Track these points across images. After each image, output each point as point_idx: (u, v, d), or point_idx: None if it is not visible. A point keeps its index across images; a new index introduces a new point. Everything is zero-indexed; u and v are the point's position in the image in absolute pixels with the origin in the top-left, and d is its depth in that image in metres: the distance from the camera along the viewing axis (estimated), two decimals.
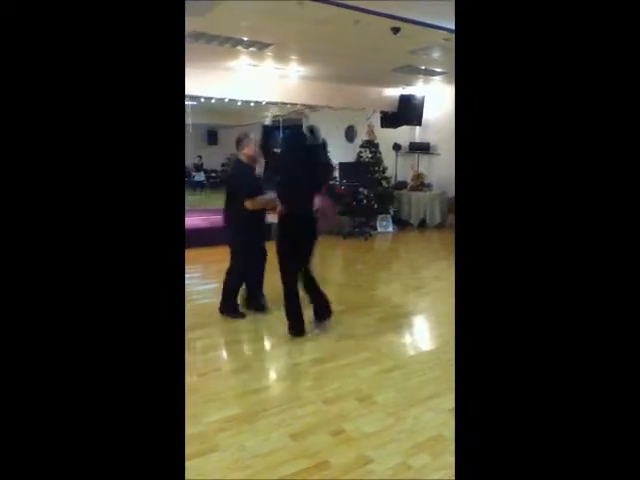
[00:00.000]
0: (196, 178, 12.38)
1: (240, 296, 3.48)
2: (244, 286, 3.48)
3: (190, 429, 2.04)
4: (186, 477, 1.72)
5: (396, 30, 4.38)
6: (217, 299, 3.51)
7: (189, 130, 9.13)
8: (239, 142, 3.35)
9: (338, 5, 3.66)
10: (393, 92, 7.89)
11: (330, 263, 6.03)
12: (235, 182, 3.37)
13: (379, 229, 7.63)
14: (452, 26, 3.65)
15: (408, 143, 8.42)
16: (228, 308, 3.43)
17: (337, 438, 1.98)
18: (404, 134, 8.43)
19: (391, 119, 8.05)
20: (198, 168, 12.58)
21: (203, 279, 4.65)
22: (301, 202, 2.99)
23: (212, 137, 14.15)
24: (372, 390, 2.39)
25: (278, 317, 3.46)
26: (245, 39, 4.89)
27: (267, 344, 3.07)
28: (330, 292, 4.44)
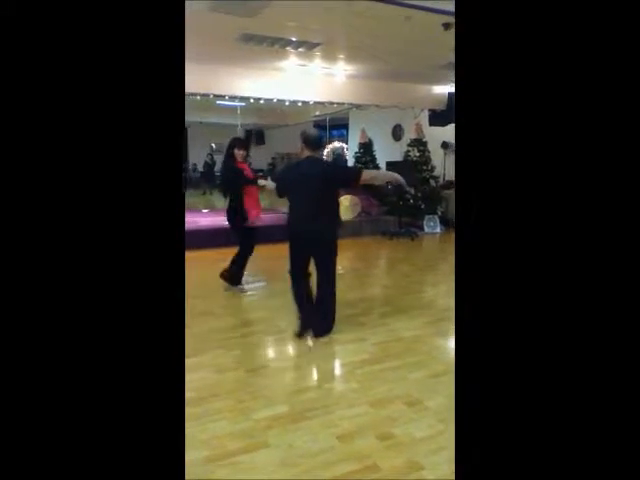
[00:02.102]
0: None
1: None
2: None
3: (239, 424, 2.08)
4: (237, 471, 1.76)
5: (447, 26, 4.27)
6: (268, 296, 3.54)
7: (238, 130, 9.36)
8: (320, 142, 3.11)
9: (390, 3, 3.61)
10: (442, 89, 7.70)
11: (376, 264, 5.97)
12: (333, 172, 3.10)
13: (426, 229, 7.48)
14: None
15: None
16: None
17: (386, 442, 1.95)
18: (453, 132, 8.21)
19: (440, 117, 7.85)
20: None
21: (253, 276, 4.71)
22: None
23: (259, 137, 14.40)
24: (422, 395, 2.34)
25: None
26: (294, 39, 4.93)
27: (313, 343, 3.08)
28: (376, 293, 4.41)
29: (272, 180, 3.81)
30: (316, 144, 3.04)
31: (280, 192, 3.22)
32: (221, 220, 7.14)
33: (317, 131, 3.20)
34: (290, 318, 3.38)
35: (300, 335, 3.08)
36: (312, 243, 3.01)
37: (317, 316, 3.10)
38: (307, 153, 3.01)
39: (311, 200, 2.93)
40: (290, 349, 3.01)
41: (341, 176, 3.10)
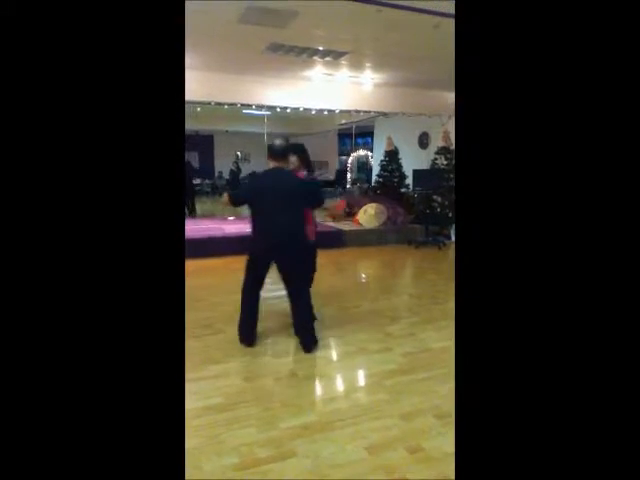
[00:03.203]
0: None
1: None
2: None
3: (267, 433, 2.08)
4: None
5: None
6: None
7: (265, 139, 9.49)
8: (285, 153, 3.07)
9: (419, 11, 3.60)
10: None
11: (402, 273, 5.91)
12: (305, 192, 3.06)
13: (453, 238, 7.37)
14: None
15: None
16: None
17: (416, 456, 1.91)
18: None
19: None
20: None
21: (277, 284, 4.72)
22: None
23: None
24: (451, 408, 2.29)
25: (348, 329, 3.44)
26: (321, 49, 4.98)
27: (340, 352, 3.06)
28: (402, 303, 4.35)
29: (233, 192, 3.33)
30: (279, 155, 3.02)
31: (240, 201, 3.17)
32: (246, 227, 7.26)
33: (282, 142, 3.10)
34: (317, 326, 3.38)
35: (249, 342, 3.10)
36: (287, 254, 2.99)
37: (304, 332, 3.07)
38: (272, 164, 3.04)
39: (284, 211, 2.94)
40: (317, 358, 3.00)
41: (309, 199, 3.11)
